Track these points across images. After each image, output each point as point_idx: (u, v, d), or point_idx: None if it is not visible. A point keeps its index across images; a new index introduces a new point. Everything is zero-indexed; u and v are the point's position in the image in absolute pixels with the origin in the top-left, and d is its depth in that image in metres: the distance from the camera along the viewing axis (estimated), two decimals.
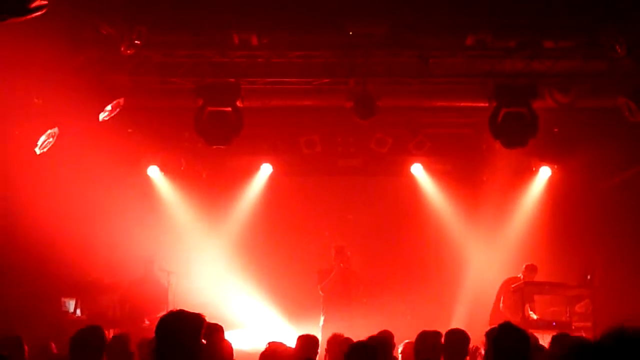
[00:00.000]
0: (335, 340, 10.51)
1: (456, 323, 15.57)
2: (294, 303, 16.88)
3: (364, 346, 7.55)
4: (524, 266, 15.27)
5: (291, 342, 10.49)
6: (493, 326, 7.46)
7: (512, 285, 15.05)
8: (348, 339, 10.11)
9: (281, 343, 10.64)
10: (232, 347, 8.68)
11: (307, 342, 10.20)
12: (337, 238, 16.69)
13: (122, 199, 17.52)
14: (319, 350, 10.40)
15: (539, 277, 15.24)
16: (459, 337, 8.88)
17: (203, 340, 5.65)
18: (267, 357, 9.65)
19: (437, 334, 9.19)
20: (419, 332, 9.41)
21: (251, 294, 16.36)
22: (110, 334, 11.25)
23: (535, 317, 14.82)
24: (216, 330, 7.74)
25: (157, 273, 15.21)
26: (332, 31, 12.12)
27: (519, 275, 15.34)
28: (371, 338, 8.95)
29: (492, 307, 15.46)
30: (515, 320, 13.64)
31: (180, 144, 16.65)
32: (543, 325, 13.68)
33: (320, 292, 15.73)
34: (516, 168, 17.54)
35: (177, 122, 15.75)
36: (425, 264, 18.58)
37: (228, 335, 8.70)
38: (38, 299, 14.39)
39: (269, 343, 10.25)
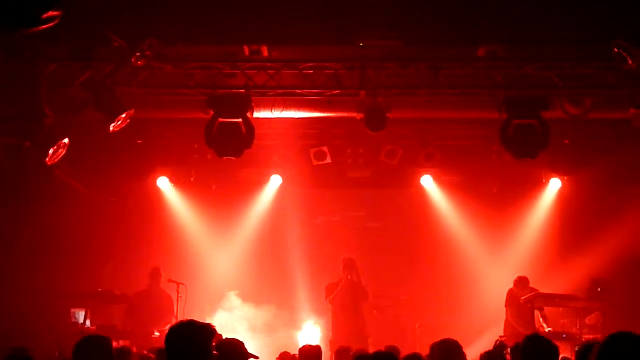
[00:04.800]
0: (343, 353, 10.46)
1: (466, 334, 15.53)
2: (303, 314, 16.84)
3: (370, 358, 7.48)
4: (514, 280, 15.34)
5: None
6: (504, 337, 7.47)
7: (523, 298, 15.03)
8: (356, 352, 10.07)
9: (289, 353, 10.64)
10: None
11: (309, 353, 10.16)
12: (348, 250, 16.65)
13: (131, 210, 17.57)
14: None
15: (548, 289, 15.24)
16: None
17: (215, 352, 5.64)
18: None
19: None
20: (429, 344, 9.42)
21: (260, 305, 16.32)
22: (119, 345, 11.28)
23: (547, 329, 14.83)
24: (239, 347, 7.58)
25: (164, 284, 15.22)
26: (343, 43, 12.12)
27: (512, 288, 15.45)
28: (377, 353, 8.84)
29: (505, 320, 15.48)
30: (527, 331, 13.65)
31: (190, 155, 16.66)
32: (553, 337, 13.64)
33: (329, 305, 15.70)
34: (526, 180, 17.53)
35: (187, 133, 15.77)
36: (435, 275, 18.54)
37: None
38: (48, 310, 14.41)
39: (281, 354, 10.26)
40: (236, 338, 7.31)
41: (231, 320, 15.66)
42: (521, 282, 15.22)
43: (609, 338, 5.09)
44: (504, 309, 15.55)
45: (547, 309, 15.44)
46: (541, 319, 15.17)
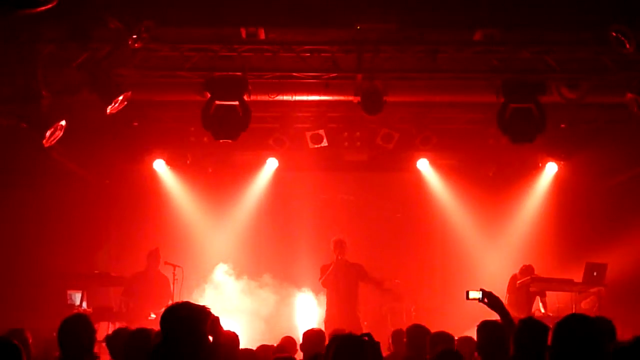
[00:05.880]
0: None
1: (461, 318, 15.58)
2: (299, 294, 16.86)
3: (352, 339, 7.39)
4: (520, 268, 15.37)
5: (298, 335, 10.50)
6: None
7: (518, 282, 15.07)
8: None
9: (291, 337, 10.66)
10: (237, 337, 8.65)
11: (313, 337, 10.15)
12: (343, 233, 16.63)
13: (128, 192, 17.57)
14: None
15: (544, 273, 15.27)
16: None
17: (210, 337, 5.65)
18: (278, 351, 9.69)
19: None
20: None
21: (257, 286, 16.35)
22: (115, 327, 11.30)
23: (543, 311, 14.92)
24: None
25: (161, 267, 15.23)
26: (340, 26, 12.09)
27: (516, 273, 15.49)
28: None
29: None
30: (522, 315, 13.70)
31: (187, 138, 16.66)
32: (549, 320, 13.68)
33: (322, 287, 15.70)
34: (523, 164, 17.55)
35: (183, 116, 15.76)
36: (431, 258, 18.61)
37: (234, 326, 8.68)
38: (44, 292, 14.43)
39: (283, 338, 10.26)
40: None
41: (227, 301, 15.69)
42: (526, 270, 15.24)
43: (565, 318, 5.47)
44: (505, 294, 15.56)
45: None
46: (540, 304, 15.24)
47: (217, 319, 6.51)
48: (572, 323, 5.38)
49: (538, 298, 15.33)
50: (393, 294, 16.46)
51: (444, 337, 8.89)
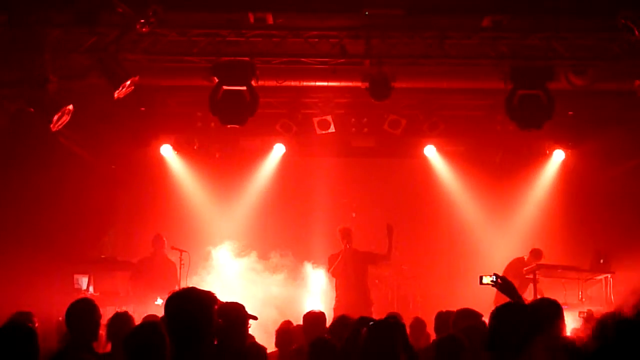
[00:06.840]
0: (341, 322, 10.38)
1: (467, 305, 15.56)
2: (306, 280, 16.86)
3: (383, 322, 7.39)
4: (530, 250, 15.33)
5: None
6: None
7: (525, 269, 15.04)
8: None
9: (290, 322, 10.67)
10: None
11: (313, 319, 10.14)
12: (350, 219, 16.64)
13: (135, 177, 17.59)
14: (327, 326, 10.33)
15: (551, 260, 15.25)
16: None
17: (219, 320, 5.63)
18: (280, 333, 9.72)
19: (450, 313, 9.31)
20: (430, 313, 9.54)
21: (263, 271, 16.35)
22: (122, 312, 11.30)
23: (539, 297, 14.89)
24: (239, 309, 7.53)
25: (167, 251, 15.26)
26: (348, 11, 12.07)
27: (523, 256, 15.43)
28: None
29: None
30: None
31: (194, 123, 16.66)
32: None
33: (332, 277, 15.71)
34: (530, 151, 17.52)
35: (190, 101, 15.76)
36: (437, 245, 18.59)
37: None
38: (51, 276, 14.44)
39: (283, 322, 10.26)
40: (236, 301, 7.27)
41: (232, 284, 15.69)
42: (536, 254, 15.20)
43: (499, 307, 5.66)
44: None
45: (549, 280, 15.46)
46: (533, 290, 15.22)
47: (241, 306, 6.55)
48: (503, 312, 5.47)
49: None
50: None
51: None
